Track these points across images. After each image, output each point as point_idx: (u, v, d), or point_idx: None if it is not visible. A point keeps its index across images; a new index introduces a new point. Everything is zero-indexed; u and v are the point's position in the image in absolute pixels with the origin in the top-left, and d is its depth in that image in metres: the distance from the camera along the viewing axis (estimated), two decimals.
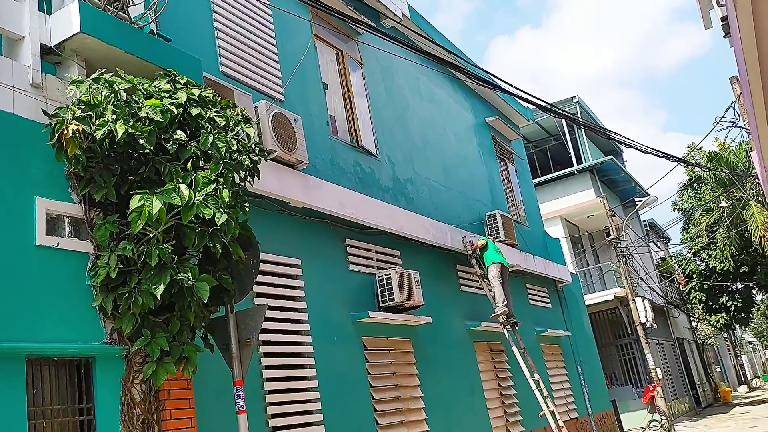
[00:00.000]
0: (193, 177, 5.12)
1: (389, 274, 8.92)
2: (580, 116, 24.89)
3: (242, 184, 5.80)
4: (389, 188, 10.27)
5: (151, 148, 5.01)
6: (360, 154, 9.85)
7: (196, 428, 5.60)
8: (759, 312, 40.19)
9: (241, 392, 5.64)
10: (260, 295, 7.09)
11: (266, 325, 6.98)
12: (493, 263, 11.18)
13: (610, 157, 25.05)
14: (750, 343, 68.14)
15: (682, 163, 14.03)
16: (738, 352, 53.60)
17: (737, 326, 41.14)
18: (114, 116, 4.80)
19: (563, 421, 11.90)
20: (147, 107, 5.03)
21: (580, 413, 14.79)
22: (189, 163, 5.21)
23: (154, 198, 4.75)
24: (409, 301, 9.03)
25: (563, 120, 24.83)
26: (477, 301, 11.74)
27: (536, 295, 14.72)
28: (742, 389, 45.11)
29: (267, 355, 6.95)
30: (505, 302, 10.94)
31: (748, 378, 51.91)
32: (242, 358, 5.83)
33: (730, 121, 16.71)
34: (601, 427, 15.92)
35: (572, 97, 24.38)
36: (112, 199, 5.09)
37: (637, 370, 23.87)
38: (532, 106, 17.71)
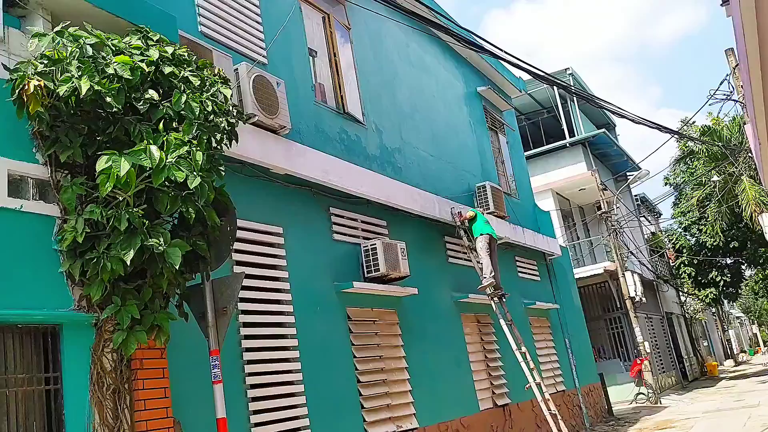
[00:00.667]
0: (165, 138, 4.89)
1: (374, 244, 8.73)
2: (573, 87, 24.64)
3: (219, 147, 5.56)
4: (376, 157, 10.04)
5: (120, 107, 4.76)
6: (346, 120, 9.61)
7: (170, 398, 5.43)
8: (747, 287, 40.35)
9: (217, 362, 5.47)
10: (240, 263, 6.90)
11: (246, 294, 6.82)
12: (481, 234, 11.01)
13: (603, 130, 24.83)
14: (737, 318, 68.70)
15: (674, 135, 13.84)
16: (725, 327, 54.02)
17: (725, 301, 41.36)
18: (79, 72, 4.55)
19: (549, 394, 11.85)
20: (115, 64, 4.77)
21: (567, 386, 14.77)
22: (161, 124, 4.98)
23: (123, 159, 4.52)
24: (395, 271, 8.86)
25: (556, 92, 24.60)
26: (465, 272, 11.59)
27: (525, 268, 14.59)
28: (729, 364, 45.49)
29: (246, 324, 6.78)
30: (493, 274, 10.79)
31: (735, 353, 52.36)
32: (218, 327, 5.65)
33: (725, 94, 16.53)
34: (588, 399, 15.93)
35: (566, 69, 24.08)
36: (79, 160, 4.86)
37: (625, 344, 23.91)
38: (525, 76, 17.47)
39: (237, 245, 6.89)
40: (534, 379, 10.54)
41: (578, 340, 16.53)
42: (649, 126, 11.35)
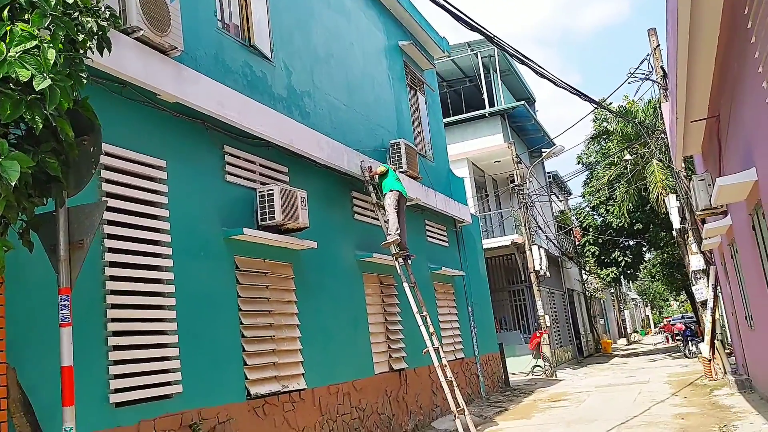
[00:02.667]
0: (8, 29, 4.02)
1: (272, 189, 8.01)
2: (497, 58, 24.39)
3: (83, 52, 4.70)
4: (282, 98, 9.27)
5: None
6: (251, 55, 8.77)
7: (5, 341, 4.64)
8: (645, 270, 41.89)
9: (66, 302, 4.66)
10: (112, 195, 6.07)
11: (117, 231, 6.03)
12: (391, 191, 10.47)
13: (522, 102, 24.74)
14: (633, 300, 71.82)
15: (594, 104, 13.66)
16: (622, 307, 56.29)
17: (624, 281, 42.84)
18: None
19: (448, 361, 11.55)
20: None
21: (467, 354, 14.60)
22: (5, 12, 4.10)
23: None
24: (293, 221, 8.19)
25: (479, 60, 24.28)
26: (371, 231, 11.05)
27: (434, 232, 14.21)
28: (622, 342, 47.41)
29: (114, 264, 5.98)
30: (399, 231, 10.30)
31: (628, 332, 54.72)
32: (72, 262, 4.84)
33: (644, 74, 16.53)
34: (486, 369, 15.86)
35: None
36: None
37: (526, 317, 24.20)
38: (450, 38, 16.95)
39: (110, 175, 6.08)
40: (432, 344, 10.16)
41: (481, 310, 16.40)
42: (570, 91, 11.05)
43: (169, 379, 6.30)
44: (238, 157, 8.03)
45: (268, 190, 8.03)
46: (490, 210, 26.00)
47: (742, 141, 7.37)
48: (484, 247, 20.91)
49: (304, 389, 8.36)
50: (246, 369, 7.41)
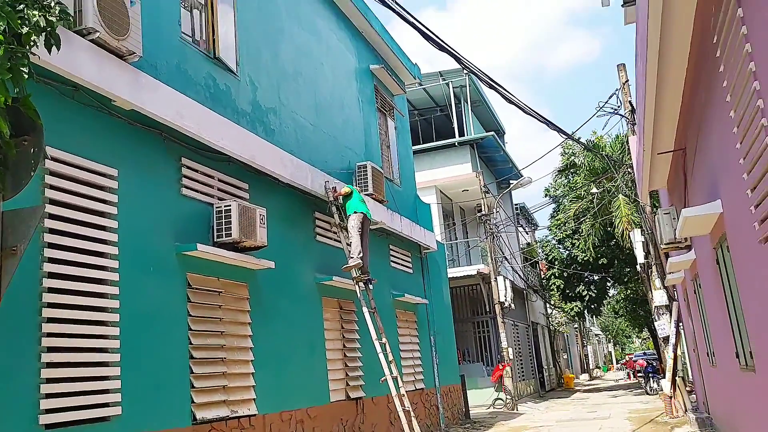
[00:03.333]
0: None
1: (229, 205, 7.73)
2: (468, 88, 24.50)
3: (26, 47, 4.43)
4: (247, 113, 9.03)
5: None
6: (216, 67, 8.54)
7: None
8: (609, 306, 42.09)
9: None
10: (55, 202, 5.75)
11: (58, 240, 5.70)
12: (355, 212, 10.25)
13: (492, 133, 24.83)
14: (596, 335, 72.15)
15: (562, 134, 13.67)
16: (585, 342, 56.45)
17: (588, 316, 42.98)
18: None
19: (407, 391, 11.28)
20: None
21: (427, 384, 14.30)
22: None
23: None
24: (250, 239, 7.90)
25: (451, 90, 24.36)
26: (332, 253, 10.79)
27: (398, 258, 13.99)
28: (584, 377, 47.42)
29: (53, 275, 5.63)
30: (361, 255, 10.06)
31: (591, 368, 54.80)
32: (2, 270, 4.52)
33: (613, 108, 16.65)
34: (447, 400, 15.56)
35: (463, 68, 23.81)
36: None
37: (489, 349, 23.98)
38: (421, 65, 16.90)
39: (55, 181, 5.77)
40: (391, 372, 9.87)
41: (444, 339, 16.15)
42: (538, 119, 11.00)
43: (108, 399, 5.92)
44: (196, 171, 7.75)
45: (225, 206, 7.74)
46: (456, 239, 25.89)
47: (708, 173, 7.31)
48: (450, 276, 20.74)
49: (254, 415, 8.00)
50: (193, 392, 7.04)
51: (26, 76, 4.38)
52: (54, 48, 4.70)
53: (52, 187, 5.74)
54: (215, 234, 7.75)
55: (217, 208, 7.78)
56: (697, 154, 7.88)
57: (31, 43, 4.44)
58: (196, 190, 7.71)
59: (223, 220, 7.70)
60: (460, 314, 23.83)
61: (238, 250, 8.01)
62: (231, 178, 8.39)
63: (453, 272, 22.01)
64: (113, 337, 6.10)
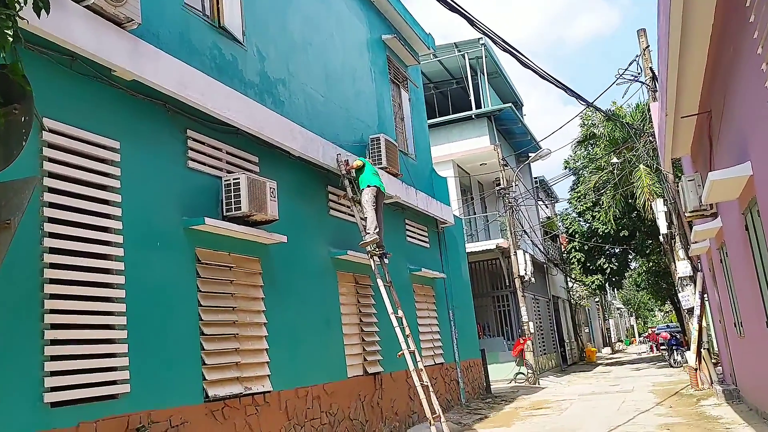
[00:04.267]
0: None
1: (238, 178, 7.51)
2: (485, 59, 24.05)
3: (13, 10, 4.21)
4: (254, 84, 8.79)
5: None
6: (221, 36, 8.28)
7: None
8: (630, 279, 41.64)
9: None
10: (54, 175, 5.57)
11: (59, 214, 5.52)
12: (368, 186, 10.00)
13: (509, 104, 24.36)
14: (618, 309, 71.68)
15: (582, 102, 13.24)
16: (606, 316, 56.04)
17: (610, 289, 42.59)
18: None
19: (426, 365, 11.09)
20: None
21: (447, 359, 14.12)
22: None
23: None
24: (261, 213, 7.69)
25: (467, 61, 23.93)
26: (347, 228, 10.57)
27: (415, 233, 13.75)
28: (606, 351, 47.14)
29: (55, 250, 5.46)
30: (377, 230, 9.83)
31: (613, 341, 54.43)
32: None
33: (633, 75, 16.18)
34: (467, 375, 15.39)
35: (479, 39, 23.35)
36: None
37: (510, 323, 23.75)
38: (436, 37, 16.55)
39: (54, 153, 5.58)
40: (408, 347, 9.67)
41: (463, 314, 15.95)
42: (556, 85, 10.62)
43: (116, 377, 5.78)
44: (203, 143, 7.53)
45: (234, 179, 7.53)
46: (475, 213, 25.59)
47: (736, 134, 6.96)
48: (469, 250, 20.50)
49: (269, 392, 7.85)
50: (204, 369, 6.89)
51: (11, 39, 4.17)
52: (44, 13, 4.48)
53: (50, 160, 5.55)
54: (224, 208, 7.55)
55: (225, 181, 7.57)
56: (724, 115, 7.52)
57: (17, 5, 4.22)
58: (204, 163, 7.50)
59: (232, 194, 7.50)
60: (480, 289, 23.60)
61: (248, 224, 7.80)
62: (240, 151, 8.17)
63: (472, 247, 21.77)
64: (119, 313, 5.94)
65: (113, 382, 5.76)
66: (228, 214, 7.52)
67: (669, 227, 16.18)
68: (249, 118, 8.07)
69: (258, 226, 7.96)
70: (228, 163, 7.92)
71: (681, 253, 15.64)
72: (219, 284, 7.38)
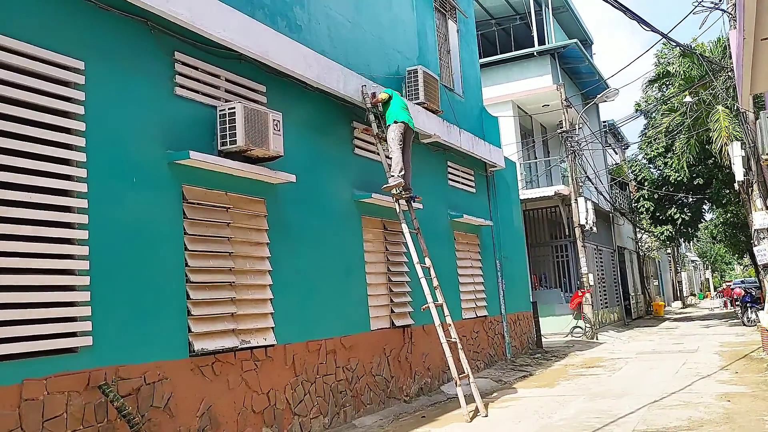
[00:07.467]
0: None
1: (233, 107, 6.67)
2: None
3: None
4: (264, 4, 7.84)
5: None
6: None
7: None
8: (706, 231, 39.32)
9: None
10: (4, 99, 4.85)
11: (9, 144, 4.87)
12: (395, 122, 9.02)
13: (575, 40, 22.59)
14: (692, 261, 68.69)
15: (658, 33, 11.71)
16: (679, 268, 53.64)
17: (682, 241, 40.42)
18: None
19: (466, 318, 10.25)
20: None
21: (491, 312, 13.21)
22: None
23: None
24: (261, 148, 6.84)
25: None
26: (374, 168, 9.64)
27: (458, 176, 12.71)
28: (676, 305, 45.21)
29: (4, 184, 4.77)
30: (402, 172, 8.89)
31: (684, 295, 52.14)
32: None
33: (713, 3, 14.41)
34: (515, 328, 14.47)
35: None
36: None
37: (569, 274, 22.52)
38: None
39: (2, 74, 4.83)
40: (435, 300, 8.81)
41: (513, 264, 14.94)
42: (630, 16, 9.25)
43: (74, 328, 5.12)
44: (195, 68, 6.69)
45: (229, 108, 6.68)
46: (536, 158, 24.20)
47: None
48: (525, 197, 19.37)
49: (272, 345, 7.14)
50: (190, 320, 6.20)
51: None
52: None
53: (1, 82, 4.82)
54: (219, 141, 6.74)
55: (220, 110, 6.73)
56: None
57: None
58: (197, 91, 6.68)
59: (227, 126, 6.67)
60: (538, 238, 22.41)
61: (248, 160, 6.99)
62: (243, 79, 7.30)
63: (529, 193, 20.56)
64: (81, 257, 5.25)
65: (72, 334, 5.11)
66: (223, 148, 6.72)
67: (746, 173, 14.57)
68: (249, 40, 7.16)
69: (260, 162, 7.14)
70: (227, 91, 7.07)
71: (759, 202, 14.10)
72: (212, 226, 6.63)
